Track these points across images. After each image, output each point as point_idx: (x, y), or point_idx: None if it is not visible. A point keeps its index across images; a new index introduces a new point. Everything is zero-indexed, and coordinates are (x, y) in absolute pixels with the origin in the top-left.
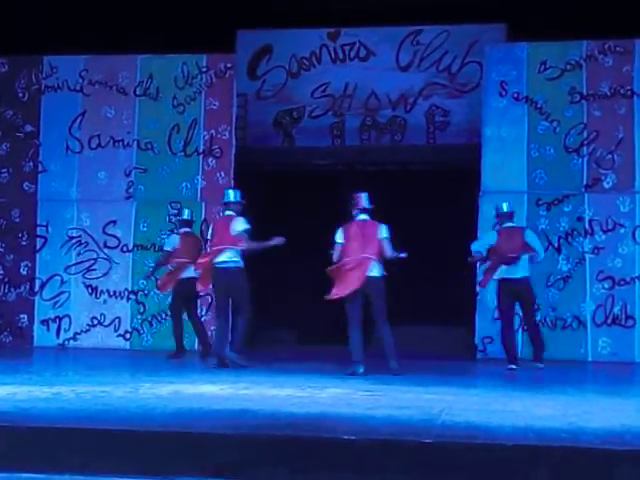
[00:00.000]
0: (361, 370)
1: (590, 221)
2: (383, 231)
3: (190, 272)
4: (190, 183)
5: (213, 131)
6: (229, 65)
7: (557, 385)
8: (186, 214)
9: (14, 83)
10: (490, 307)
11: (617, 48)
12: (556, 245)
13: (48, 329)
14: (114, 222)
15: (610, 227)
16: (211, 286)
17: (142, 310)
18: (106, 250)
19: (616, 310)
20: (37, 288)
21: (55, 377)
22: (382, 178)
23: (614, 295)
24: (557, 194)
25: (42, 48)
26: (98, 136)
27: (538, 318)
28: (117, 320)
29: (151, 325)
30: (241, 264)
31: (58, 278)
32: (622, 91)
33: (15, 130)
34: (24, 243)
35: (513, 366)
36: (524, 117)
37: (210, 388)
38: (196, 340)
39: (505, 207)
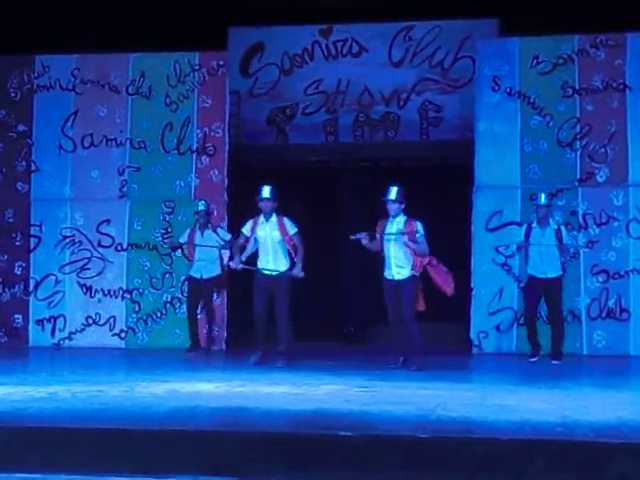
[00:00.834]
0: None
1: (584, 215)
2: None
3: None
4: (184, 181)
5: (206, 129)
6: (221, 63)
7: (552, 379)
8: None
9: (6, 83)
10: (485, 302)
11: (609, 42)
12: None
13: (43, 329)
14: (108, 221)
15: (604, 221)
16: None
17: (137, 309)
18: (100, 249)
19: (611, 303)
20: (31, 288)
21: (50, 377)
22: (376, 174)
23: (608, 288)
24: (550, 188)
25: (34, 47)
26: (91, 135)
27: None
28: (112, 319)
29: (146, 324)
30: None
31: (52, 278)
32: (614, 85)
33: (8, 130)
34: (18, 243)
35: (534, 359)
36: (517, 112)
37: (205, 386)
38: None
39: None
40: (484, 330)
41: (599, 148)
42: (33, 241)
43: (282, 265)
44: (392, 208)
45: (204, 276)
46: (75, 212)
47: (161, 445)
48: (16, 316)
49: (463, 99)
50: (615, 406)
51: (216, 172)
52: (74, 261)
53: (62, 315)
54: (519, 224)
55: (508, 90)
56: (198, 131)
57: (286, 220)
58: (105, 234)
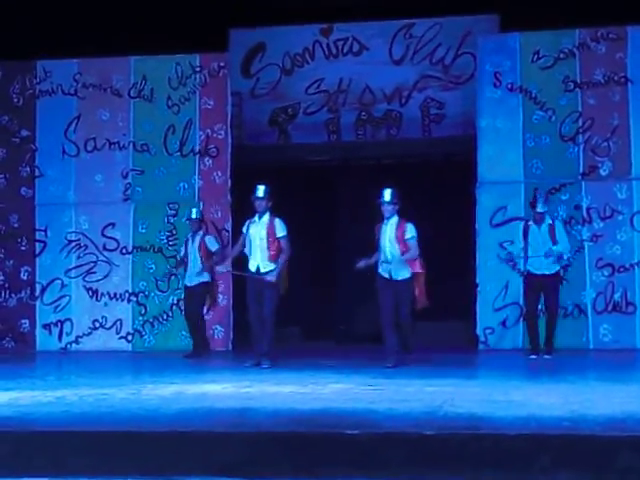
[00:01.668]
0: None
1: (588, 209)
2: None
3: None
4: (187, 183)
5: (209, 130)
6: (222, 64)
7: (558, 374)
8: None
9: (8, 89)
10: (490, 298)
11: (610, 35)
12: None
13: (50, 333)
14: (113, 224)
15: (608, 214)
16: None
17: (143, 312)
18: (105, 252)
19: (616, 297)
20: (38, 293)
21: (58, 381)
22: (378, 172)
23: (614, 282)
24: (554, 183)
25: (35, 53)
26: (94, 139)
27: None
28: (119, 322)
29: (153, 326)
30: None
31: (58, 282)
32: (616, 78)
33: (11, 135)
34: (23, 248)
35: (534, 356)
36: (519, 107)
37: (212, 387)
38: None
39: None
40: (490, 326)
41: (602, 142)
42: (38, 246)
43: (268, 266)
44: (387, 210)
45: (188, 284)
46: (80, 216)
47: (169, 447)
48: (23, 321)
49: (465, 95)
50: (621, 399)
51: (219, 173)
52: (80, 265)
53: (69, 319)
54: (523, 219)
55: (510, 86)
56: (200, 133)
57: (277, 222)
58: (110, 237)
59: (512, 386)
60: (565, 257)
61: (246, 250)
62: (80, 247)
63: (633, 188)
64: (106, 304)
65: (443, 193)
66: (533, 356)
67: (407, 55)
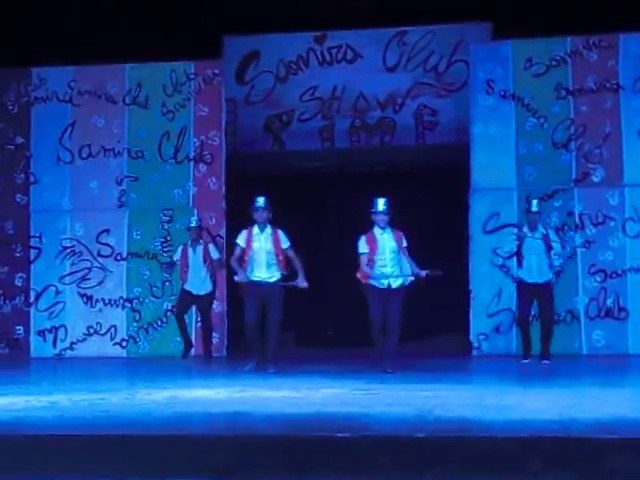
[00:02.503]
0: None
1: (580, 215)
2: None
3: None
4: (182, 190)
5: (203, 137)
6: (217, 71)
7: (550, 378)
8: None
9: (3, 96)
10: (484, 304)
11: (601, 43)
12: None
13: (44, 340)
14: (107, 231)
15: (600, 221)
16: None
17: (138, 318)
18: (100, 259)
19: (609, 303)
20: (32, 299)
21: (52, 386)
22: (372, 179)
23: (606, 288)
24: (546, 189)
25: (30, 60)
26: (89, 146)
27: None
28: (113, 328)
29: (147, 332)
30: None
31: (53, 288)
32: (608, 85)
33: (6, 142)
34: (18, 254)
35: (526, 361)
36: (511, 114)
37: (206, 392)
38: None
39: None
40: (483, 332)
41: (594, 149)
42: (33, 252)
43: (275, 275)
44: (382, 220)
45: (194, 292)
46: (75, 223)
47: (162, 450)
48: (17, 327)
49: (458, 103)
50: (612, 403)
51: (214, 180)
52: (74, 271)
53: (63, 325)
54: (516, 226)
55: (502, 93)
56: (195, 139)
57: (280, 233)
58: (105, 244)
59: (504, 390)
60: (558, 264)
61: (248, 261)
62: (75, 254)
63: (625, 194)
64: (101, 310)
65: (436, 200)
66: (526, 361)
67: (401, 62)
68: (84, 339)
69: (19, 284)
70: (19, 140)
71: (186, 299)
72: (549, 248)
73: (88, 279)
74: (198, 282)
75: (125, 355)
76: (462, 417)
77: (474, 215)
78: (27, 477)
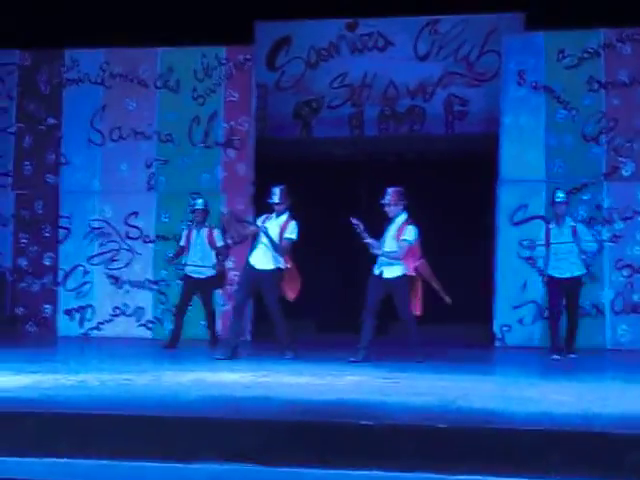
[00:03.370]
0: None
1: (609, 209)
2: None
3: None
4: (210, 174)
5: (233, 122)
6: (248, 57)
7: (574, 372)
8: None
9: (36, 77)
10: (509, 296)
11: (635, 36)
12: None
13: (72, 319)
14: (136, 213)
15: (629, 215)
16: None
17: (164, 300)
18: (128, 241)
19: (635, 298)
20: (60, 279)
21: (80, 366)
22: (401, 168)
23: (633, 283)
24: (576, 183)
25: (63, 42)
26: (119, 128)
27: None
28: (139, 310)
29: (173, 315)
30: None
31: (81, 269)
32: None
33: (38, 123)
34: (47, 234)
35: (557, 356)
36: (542, 106)
37: (231, 376)
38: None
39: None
40: (507, 324)
41: (625, 142)
42: (62, 233)
43: (269, 264)
44: (389, 210)
45: (194, 276)
46: (104, 204)
47: (187, 432)
48: (45, 306)
49: (488, 93)
50: (635, 399)
51: (242, 165)
52: (102, 252)
53: (90, 305)
54: (544, 218)
55: (534, 84)
56: (225, 125)
57: (292, 224)
58: (133, 226)
59: (527, 383)
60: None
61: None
62: (103, 235)
63: None
64: (127, 292)
65: (464, 190)
66: (556, 356)
67: (432, 51)
68: (110, 320)
69: (48, 263)
70: (51, 121)
71: (185, 286)
72: (578, 241)
73: (116, 260)
74: (197, 265)
75: (151, 337)
76: (484, 408)
77: (502, 206)
78: (55, 454)
